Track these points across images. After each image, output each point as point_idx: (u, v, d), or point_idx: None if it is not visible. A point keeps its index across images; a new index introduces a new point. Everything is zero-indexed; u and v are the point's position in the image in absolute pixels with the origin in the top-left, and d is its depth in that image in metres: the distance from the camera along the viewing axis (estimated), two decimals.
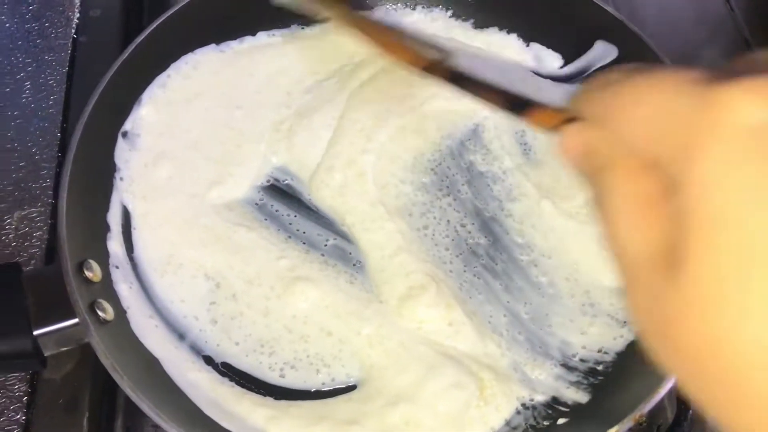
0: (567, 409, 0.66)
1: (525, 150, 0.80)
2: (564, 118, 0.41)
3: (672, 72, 0.34)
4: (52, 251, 0.78)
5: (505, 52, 0.87)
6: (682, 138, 0.31)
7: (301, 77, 0.83)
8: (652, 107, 0.33)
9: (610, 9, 0.81)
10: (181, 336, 0.69)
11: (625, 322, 0.70)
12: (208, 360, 0.68)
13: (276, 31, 0.86)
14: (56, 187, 0.80)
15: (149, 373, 0.64)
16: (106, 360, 0.60)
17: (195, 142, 0.78)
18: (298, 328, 0.69)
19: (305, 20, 0.86)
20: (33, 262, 0.81)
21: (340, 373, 0.68)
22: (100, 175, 0.73)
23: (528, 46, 0.87)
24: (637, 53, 0.79)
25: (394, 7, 0.89)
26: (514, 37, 0.87)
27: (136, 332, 0.67)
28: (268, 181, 0.78)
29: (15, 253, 0.79)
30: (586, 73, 0.84)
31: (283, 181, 0.77)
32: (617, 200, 0.35)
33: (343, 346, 0.68)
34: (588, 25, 0.83)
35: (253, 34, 0.86)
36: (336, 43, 0.84)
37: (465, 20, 0.88)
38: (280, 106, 0.81)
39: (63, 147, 0.86)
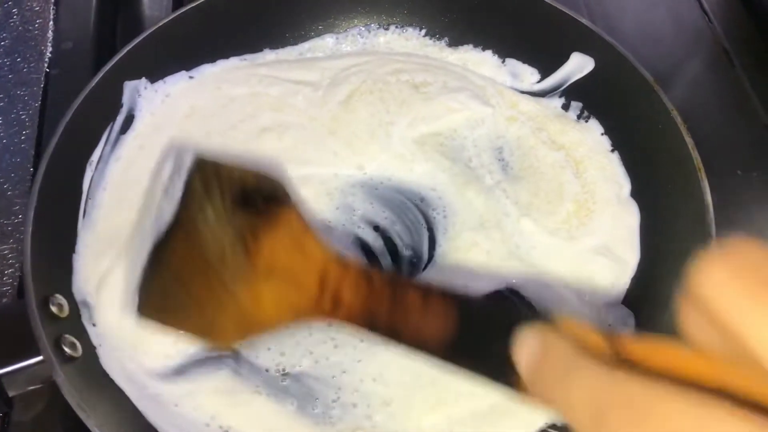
0: None
1: (503, 166, 0.79)
2: None
3: None
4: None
5: (481, 69, 0.86)
6: None
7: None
8: None
9: (584, 20, 0.80)
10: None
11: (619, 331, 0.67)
12: None
13: (248, 56, 0.85)
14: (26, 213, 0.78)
15: (120, 412, 0.62)
16: (72, 398, 0.57)
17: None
18: None
19: (276, 44, 0.86)
20: (4, 300, 0.78)
21: None
22: (67, 207, 0.71)
23: (504, 62, 0.85)
24: (614, 64, 0.78)
25: (366, 27, 0.88)
26: (489, 53, 0.86)
27: (106, 368, 0.64)
28: None
29: None
30: (563, 87, 0.83)
31: None
32: None
33: None
34: (563, 38, 0.82)
35: (226, 57, 0.84)
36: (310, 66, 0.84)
37: (439, 38, 0.87)
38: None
39: None
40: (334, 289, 0.48)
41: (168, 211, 0.49)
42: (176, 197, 0.50)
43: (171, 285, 0.50)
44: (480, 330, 0.43)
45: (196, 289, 0.50)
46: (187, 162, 0.50)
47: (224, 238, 0.49)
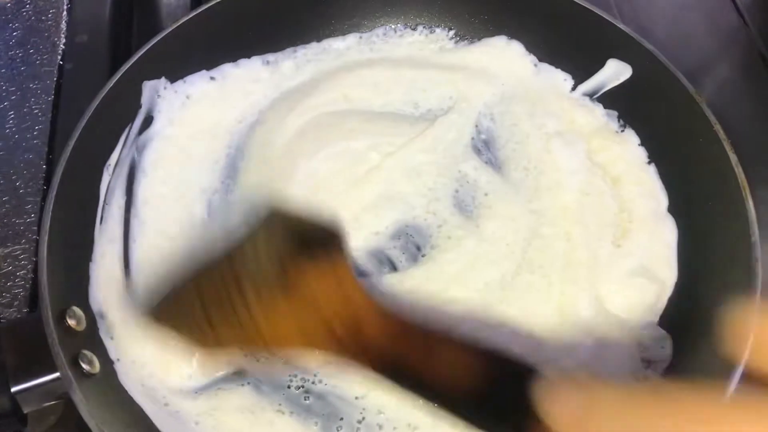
0: None
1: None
2: None
3: None
4: (37, 292, 0.74)
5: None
6: None
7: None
8: None
9: (622, 26, 0.76)
10: None
11: None
12: None
13: (270, 56, 0.82)
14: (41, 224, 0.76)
15: (138, 430, 0.60)
16: (91, 420, 0.55)
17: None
18: None
19: (298, 42, 0.83)
20: (16, 303, 0.76)
21: None
22: (83, 213, 0.68)
23: (536, 66, 0.82)
24: (653, 72, 0.74)
25: (393, 27, 0.85)
26: None
27: (124, 385, 0.62)
28: None
29: None
30: (598, 94, 0.80)
31: None
32: None
33: None
34: (598, 43, 0.78)
35: (248, 56, 0.82)
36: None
37: (469, 41, 0.84)
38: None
39: (48, 180, 0.82)
40: (363, 330, 0.51)
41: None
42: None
43: (187, 292, 0.56)
44: (504, 385, 0.46)
45: (210, 296, 0.54)
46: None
47: (263, 260, 0.53)
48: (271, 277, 0.53)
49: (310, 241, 0.54)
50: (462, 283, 0.69)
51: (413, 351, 0.50)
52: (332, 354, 0.52)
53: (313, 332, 0.52)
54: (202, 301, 0.55)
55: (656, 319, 0.68)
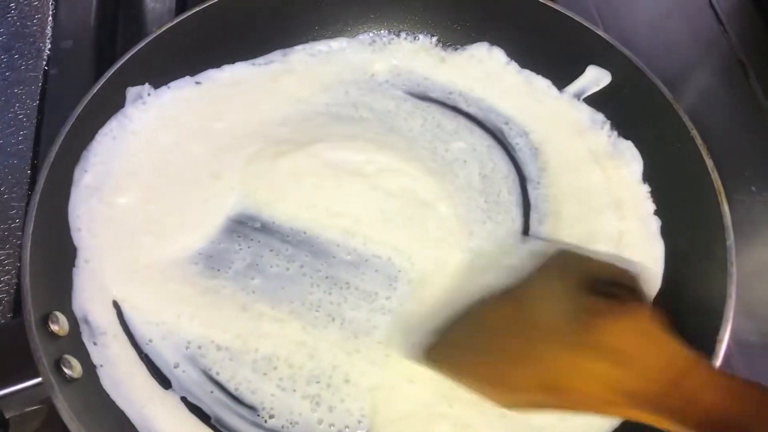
0: None
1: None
2: None
3: None
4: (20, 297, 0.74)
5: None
6: None
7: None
8: None
9: (601, 32, 0.78)
10: (165, 384, 0.64)
11: None
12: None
13: (255, 61, 0.83)
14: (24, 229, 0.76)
15: None
16: (73, 424, 0.55)
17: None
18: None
19: (286, 43, 0.84)
20: (0, 308, 0.76)
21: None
22: (68, 220, 0.69)
23: (518, 73, 0.83)
24: (631, 77, 0.76)
25: (377, 33, 0.85)
26: None
27: (107, 390, 0.62)
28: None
29: None
30: (579, 99, 0.81)
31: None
32: None
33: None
34: (579, 50, 0.79)
35: (233, 62, 0.82)
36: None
37: (454, 48, 0.85)
38: (252, 142, 0.77)
39: (33, 185, 0.82)
40: (688, 388, 0.47)
41: None
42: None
43: (474, 338, 0.55)
44: None
45: (504, 345, 0.53)
46: None
47: (560, 312, 0.52)
48: (564, 320, 0.51)
49: (607, 289, 0.52)
50: None
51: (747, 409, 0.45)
52: (660, 416, 0.47)
53: (632, 386, 0.48)
54: (490, 341, 0.54)
55: None
